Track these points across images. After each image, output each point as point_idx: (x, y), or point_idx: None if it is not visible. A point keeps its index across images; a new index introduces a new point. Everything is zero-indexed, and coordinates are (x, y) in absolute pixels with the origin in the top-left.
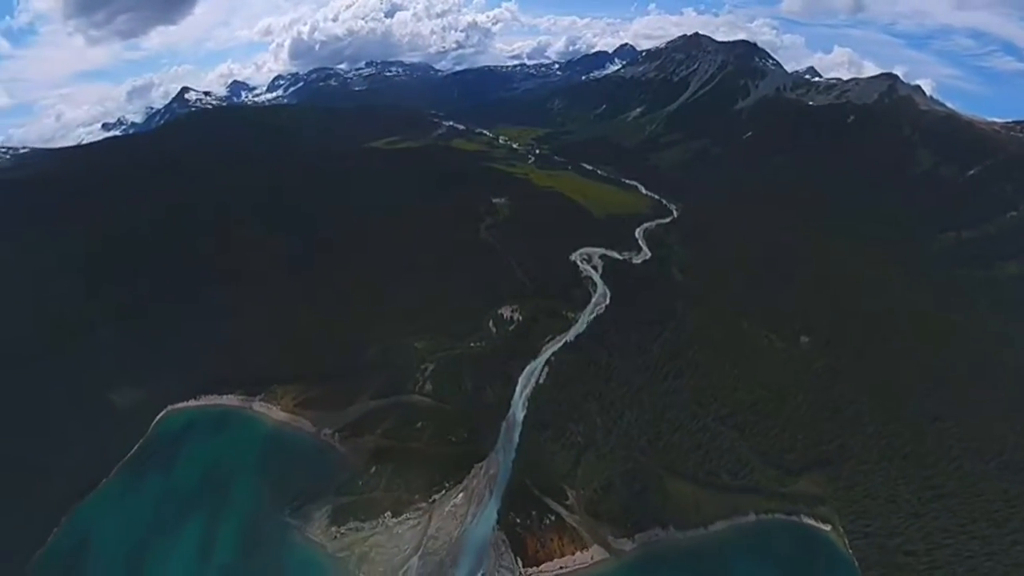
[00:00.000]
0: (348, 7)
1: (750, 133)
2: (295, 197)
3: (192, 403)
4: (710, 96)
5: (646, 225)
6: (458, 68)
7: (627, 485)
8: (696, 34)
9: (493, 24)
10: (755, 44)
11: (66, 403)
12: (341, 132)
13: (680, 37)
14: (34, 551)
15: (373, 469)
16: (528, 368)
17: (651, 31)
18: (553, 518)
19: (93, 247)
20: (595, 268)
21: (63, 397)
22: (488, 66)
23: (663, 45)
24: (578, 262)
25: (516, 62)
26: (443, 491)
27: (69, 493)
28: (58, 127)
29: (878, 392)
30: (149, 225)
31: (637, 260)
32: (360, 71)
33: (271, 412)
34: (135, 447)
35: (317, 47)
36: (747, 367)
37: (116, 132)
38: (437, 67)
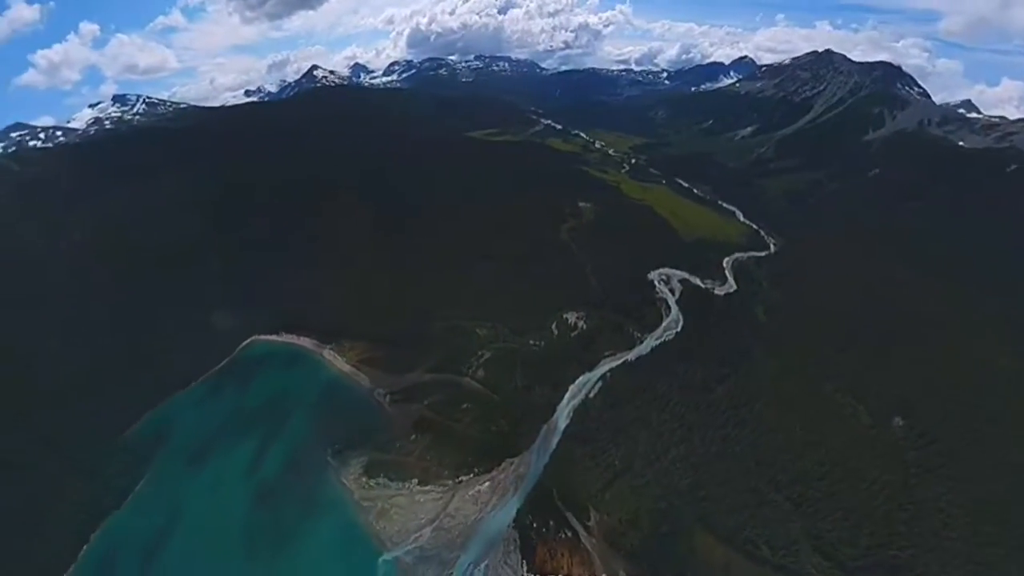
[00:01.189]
0: (465, 2)
1: (877, 170)
2: (394, 173)
3: (273, 337)
4: (835, 122)
5: (737, 255)
6: (563, 68)
7: (654, 524)
8: (828, 51)
9: (604, 26)
10: (899, 68)
11: (178, 315)
12: (444, 119)
13: (809, 53)
14: (128, 427)
15: (413, 436)
16: (582, 378)
17: (776, 44)
18: (569, 534)
19: (219, 191)
20: (672, 291)
21: (177, 309)
22: (593, 68)
23: (787, 61)
24: (656, 282)
25: (623, 67)
26: (471, 475)
27: (164, 387)
28: (211, 90)
29: (977, 509)
30: (265, 180)
31: (720, 291)
32: (469, 63)
33: (336, 361)
34: (222, 363)
35: (432, 38)
36: (821, 436)
37: (254, 98)
38: (543, 65)
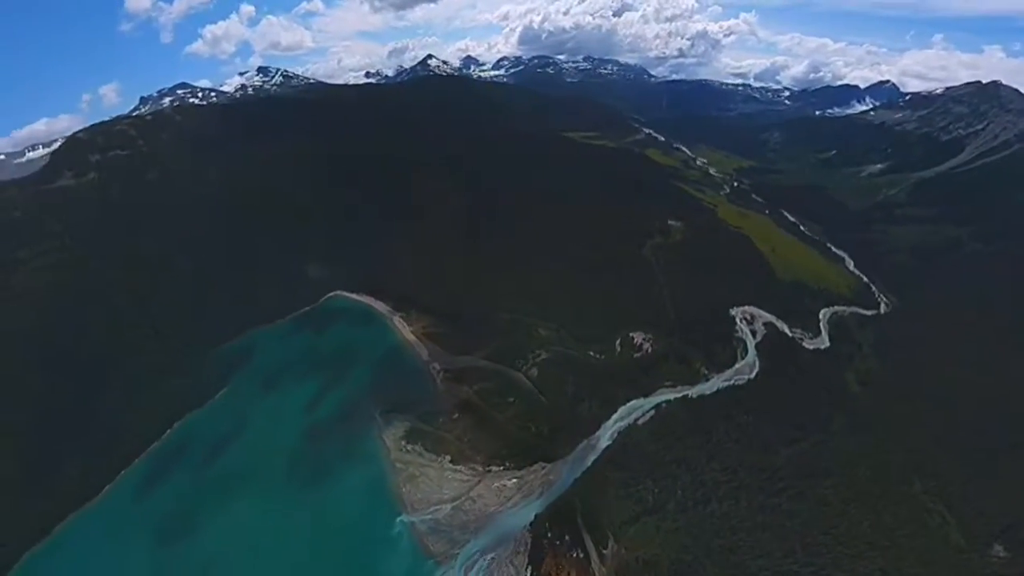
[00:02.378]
0: (580, 2)
1: None
2: (488, 163)
3: (353, 296)
4: (991, 170)
5: (838, 309)
6: (673, 77)
7: (673, 574)
8: (995, 83)
9: (725, 36)
10: None
11: (280, 260)
12: (544, 116)
13: (969, 84)
14: (223, 343)
15: (456, 416)
16: (635, 402)
17: (927, 69)
18: (581, 555)
19: (331, 159)
20: (754, 333)
21: (280, 254)
22: (706, 80)
23: (939, 90)
24: (737, 319)
25: (739, 81)
26: (501, 467)
27: (257, 318)
28: (337, 69)
29: None
30: (371, 154)
31: (809, 345)
32: (577, 64)
33: (403, 329)
34: (306, 308)
35: (544, 36)
36: (892, 542)
37: (373, 80)
38: (652, 72)
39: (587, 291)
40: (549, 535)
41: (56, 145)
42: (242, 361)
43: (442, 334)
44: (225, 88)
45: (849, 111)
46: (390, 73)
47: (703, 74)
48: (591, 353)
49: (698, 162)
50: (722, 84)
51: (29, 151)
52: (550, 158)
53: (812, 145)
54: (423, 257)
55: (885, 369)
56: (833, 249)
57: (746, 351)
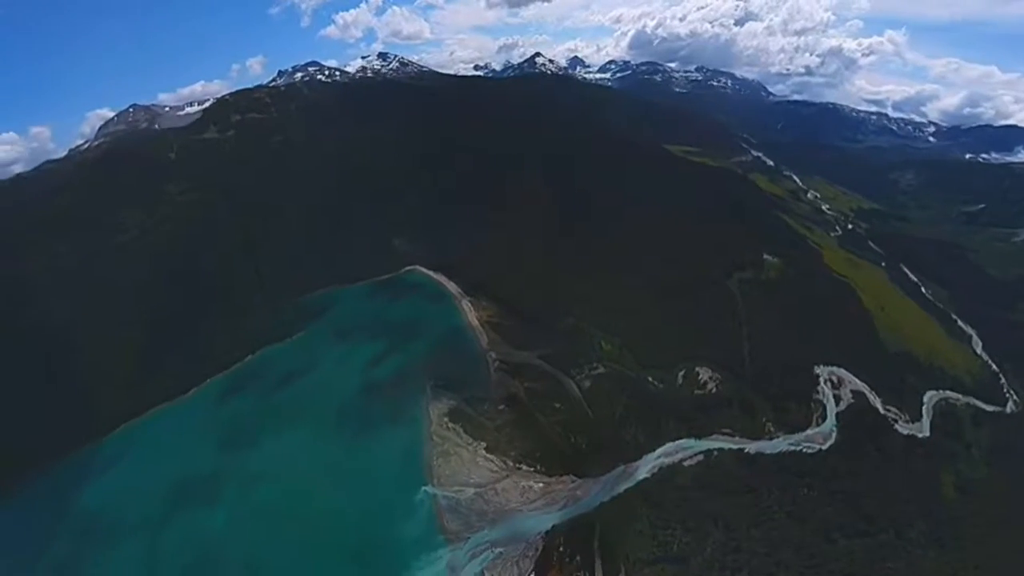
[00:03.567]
0: (700, 8)
1: None
2: (581, 165)
3: (430, 273)
4: None
5: (950, 395)
6: (795, 97)
7: None
8: None
9: (864, 55)
10: None
11: (371, 228)
12: (646, 125)
13: None
14: (305, 294)
15: (501, 407)
16: (684, 441)
17: None
18: None
19: (432, 142)
20: (837, 400)
21: (371, 224)
22: (833, 104)
23: None
24: (822, 380)
25: (874, 109)
26: (531, 469)
27: (340, 277)
28: (449, 60)
29: None
30: (469, 142)
31: (903, 429)
32: (688, 74)
33: (469, 312)
34: (384, 276)
35: (656, 42)
36: None
37: (480, 73)
38: (771, 89)
39: (660, 312)
40: (561, 549)
41: (207, 104)
42: (322, 312)
43: (505, 325)
44: (348, 69)
45: (1011, 158)
46: (497, 67)
47: (831, 97)
48: (650, 378)
49: (809, 195)
50: (852, 110)
51: (187, 106)
52: (645, 169)
53: (955, 194)
54: (502, 248)
55: (994, 479)
56: (959, 323)
57: (824, 417)
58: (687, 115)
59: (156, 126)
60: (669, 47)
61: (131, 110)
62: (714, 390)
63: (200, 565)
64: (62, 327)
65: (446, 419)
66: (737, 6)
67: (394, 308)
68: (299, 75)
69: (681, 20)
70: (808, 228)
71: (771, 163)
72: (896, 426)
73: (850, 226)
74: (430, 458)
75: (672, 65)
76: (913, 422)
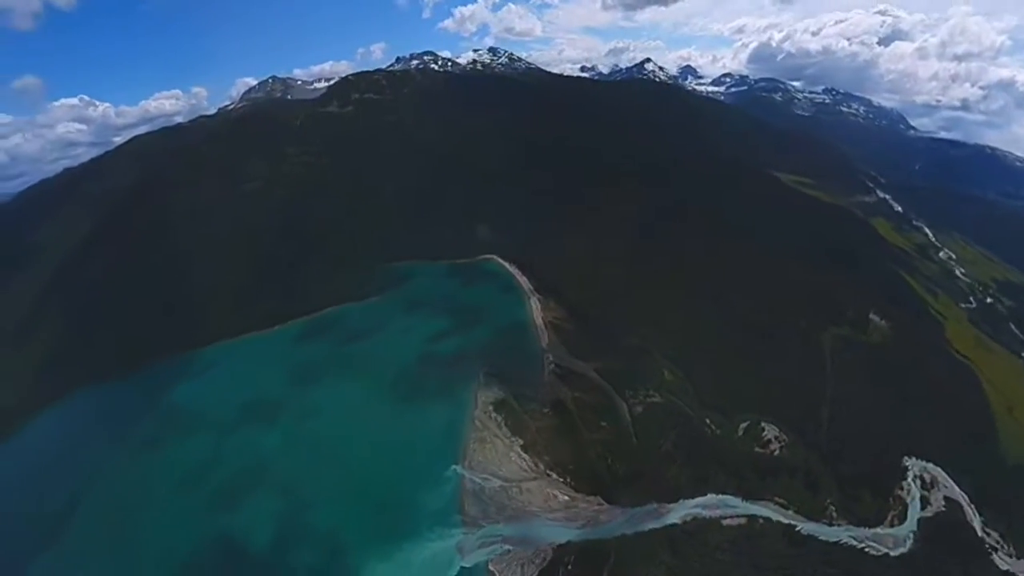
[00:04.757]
0: (838, 23)
1: None
2: (679, 180)
3: (505, 264)
4: None
5: None
6: (942, 134)
7: None
8: None
9: None
10: None
11: (456, 212)
12: (756, 146)
13: None
14: (387, 263)
15: (546, 410)
16: (728, 498)
17: None
18: None
19: (531, 137)
20: (924, 503)
21: (463, 209)
22: (992, 148)
23: None
24: (910, 474)
25: None
26: (560, 480)
27: (421, 252)
28: (557, 59)
29: None
30: (569, 141)
31: (1003, 562)
32: (814, 95)
33: (535, 310)
34: (463, 260)
35: (780, 57)
36: None
37: (586, 75)
38: (912, 122)
39: (734, 353)
40: (569, 567)
41: (333, 82)
42: (400, 282)
43: (568, 330)
44: (460, 60)
45: None
46: (605, 70)
47: (990, 139)
48: (708, 421)
49: (942, 254)
50: (1017, 159)
51: (316, 82)
52: (749, 194)
53: None
54: (582, 252)
55: None
56: None
57: (902, 519)
58: (806, 141)
59: (288, 96)
60: (795, 63)
61: (270, 81)
62: (777, 452)
63: (247, 473)
64: (190, 250)
65: (491, 408)
66: (884, 22)
67: (465, 291)
68: (415, 62)
69: (814, 34)
70: (933, 293)
71: (899, 209)
72: (995, 556)
73: (988, 300)
74: (467, 440)
75: (796, 84)
76: (1020, 558)
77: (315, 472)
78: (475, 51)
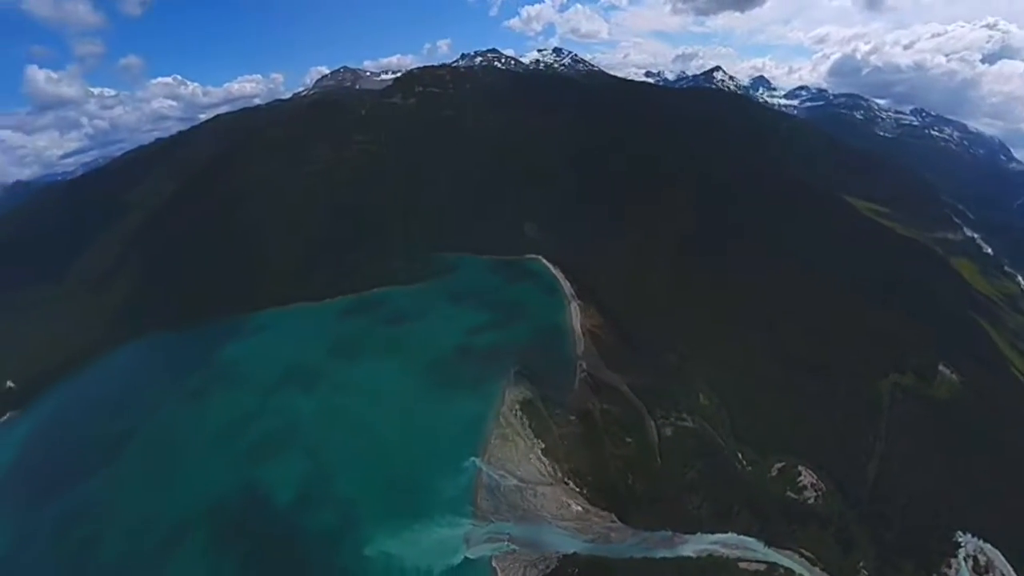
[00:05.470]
0: (935, 36)
1: None
2: (742, 198)
3: (550, 266)
4: None
5: None
6: None
7: None
8: None
9: None
10: None
11: (506, 209)
12: (828, 167)
13: None
14: (435, 253)
15: (572, 417)
16: (750, 540)
17: None
18: None
19: (587, 140)
20: None
21: (508, 205)
22: None
23: None
24: (961, 552)
25: None
26: (577, 490)
27: (468, 246)
28: (621, 63)
29: None
30: (624, 148)
31: None
32: (900, 116)
33: (574, 315)
34: (508, 257)
35: (865, 71)
36: None
37: (650, 80)
38: (1016, 154)
39: (779, 387)
40: None
41: (399, 74)
42: (445, 272)
43: (605, 340)
44: (523, 59)
45: None
46: (670, 76)
47: None
48: (740, 455)
49: None
50: None
51: (383, 74)
52: (814, 218)
53: None
54: (628, 261)
55: None
56: None
57: None
58: (886, 166)
59: (356, 86)
60: (882, 79)
61: (341, 70)
62: (811, 500)
63: (279, 433)
64: (255, 221)
65: (517, 406)
66: (991, 37)
67: (508, 288)
68: (479, 59)
69: (906, 48)
70: (1018, 351)
71: (989, 251)
72: None
73: None
74: (490, 435)
75: (881, 102)
76: None
77: (342, 441)
78: (539, 51)
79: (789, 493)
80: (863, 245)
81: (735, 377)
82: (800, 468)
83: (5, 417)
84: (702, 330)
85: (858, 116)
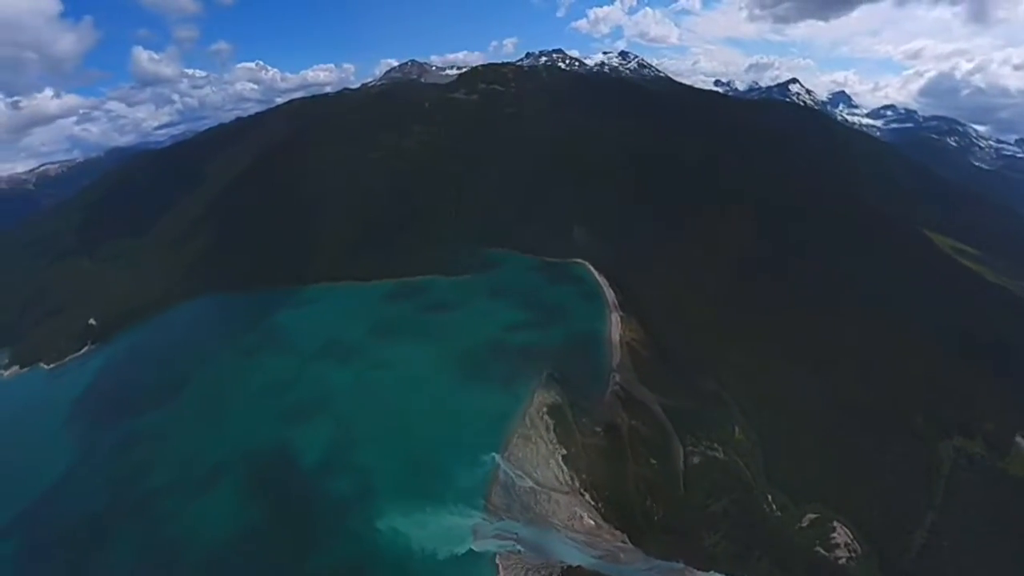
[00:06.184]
0: None
1: None
2: (809, 225)
3: (594, 272)
4: None
5: None
6: None
7: None
8: None
9: None
10: None
11: (556, 211)
12: (911, 198)
13: None
14: (480, 246)
15: (598, 429)
16: None
17: None
18: None
19: (642, 150)
20: None
21: (559, 208)
22: None
23: None
24: None
25: None
26: (592, 503)
27: (515, 244)
28: (689, 70)
29: None
30: (683, 158)
31: None
32: (1002, 146)
33: (614, 326)
34: (553, 259)
35: (964, 92)
36: None
37: (719, 90)
38: None
39: (824, 433)
40: None
41: (463, 70)
42: (488, 267)
43: (643, 355)
44: (588, 61)
45: None
46: (741, 87)
47: None
48: (769, 498)
49: None
50: None
51: (448, 69)
52: (888, 252)
53: None
54: (677, 277)
55: None
56: None
57: None
58: (979, 201)
59: (422, 79)
60: (984, 103)
61: (409, 63)
62: (843, 561)
63: (314, 400)
64: (317, 200)
65: (545, 409)
66: None
67: (549, 290)
68: (543, 59)
69: (1016, 68)
70: None
71: None
72: None
73: None
74: (513, 433)
75: (980, 128)
76: None
77: (370, 417)
78: (605, 53)
79: (818, 548)
80: (943, 288)
81: (777, 414)
82: (835, 523)
83: (85, 349)
84: (748, 359)
85: (951, 143)
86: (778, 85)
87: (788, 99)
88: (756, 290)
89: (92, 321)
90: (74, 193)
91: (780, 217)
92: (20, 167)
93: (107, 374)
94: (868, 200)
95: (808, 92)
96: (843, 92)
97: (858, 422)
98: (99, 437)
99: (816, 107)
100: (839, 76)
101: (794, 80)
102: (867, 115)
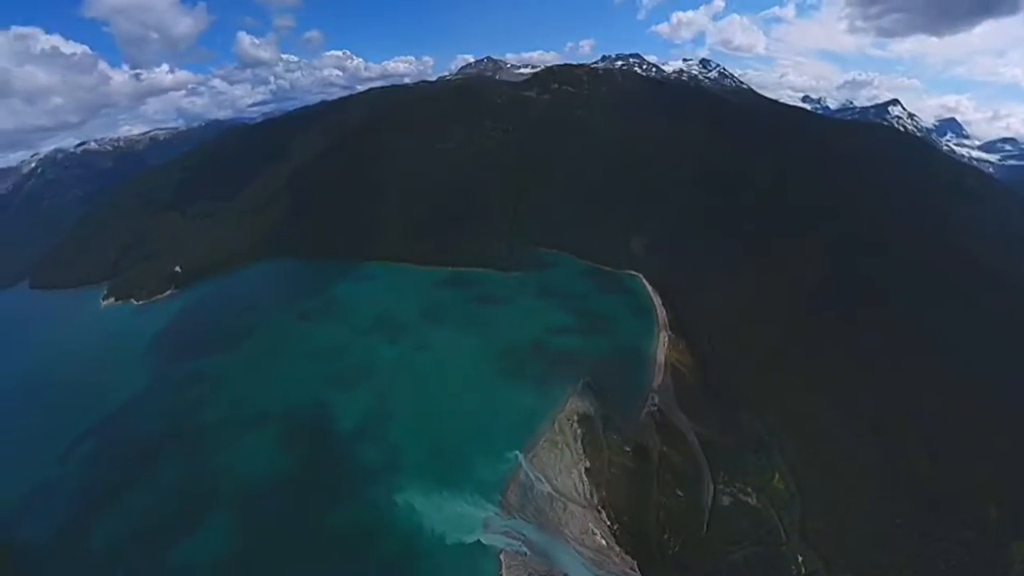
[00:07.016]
0: None
1: None
2: (889, 262)
3: (647, 286)
4: None
5: None
6: None
7: None
8: None
9: None
10: None
11: (617, 220)
12: (1020, 247)
13: None
14: (534, 245)
15: (627, 448)
16: None
17: None
18: None
19: (715, 165)
20: None
21: (619, 217)
22: None
23: None
24: None
25: None
26: (607, 523)
27: (571, 246)
28: (776, 83)
29: None
30: (758, 177)
31: None
32: None
33: (661, 345)
34: (607, 268)
35: None
36: None
37: (807, 106)
38: None
39: (873, 502)
40: None
41: (537, 69)
42: (540, 267)
43: (687, 380)
44: (666, 67)
45: None
46: (832, 105)
47: None
48: (800, 559)
49: None
50: None
51: (523, 67)
52: (985, 305)
53: None
54: (735, 303)
55: None
56: None
57: None
58: None
59: (496, 76)
60: None
61: (485, 60)
62: None
63: (358, 370)
64: (386, 183)
65: (575, 418)
66: None
67: (599, 299)
68: (619, 63)
69: None
70: None
71: None
72: None
73: None
74: (540, 436)
75: None
76: None
77: (407, 394)
78: (685, 60)
79: None
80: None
81: (824, 468)
82: None
83: (169, 292)
84: (800, 404)
85: None
86: (876, 106)
87: (886, 122)
88: (821, 329)
89: (178, 268)
90: (176, 157)
91: (860, 253)
92: (136, 131)
93: (184, 316)
94: (967, 246)
95: (911, 116)
96: (953, 119)
97: (915, 499)
98: (168, 369)
99: (919, 133)
100: (950, 100)
101: (895, 101)
102: (980, 147)
